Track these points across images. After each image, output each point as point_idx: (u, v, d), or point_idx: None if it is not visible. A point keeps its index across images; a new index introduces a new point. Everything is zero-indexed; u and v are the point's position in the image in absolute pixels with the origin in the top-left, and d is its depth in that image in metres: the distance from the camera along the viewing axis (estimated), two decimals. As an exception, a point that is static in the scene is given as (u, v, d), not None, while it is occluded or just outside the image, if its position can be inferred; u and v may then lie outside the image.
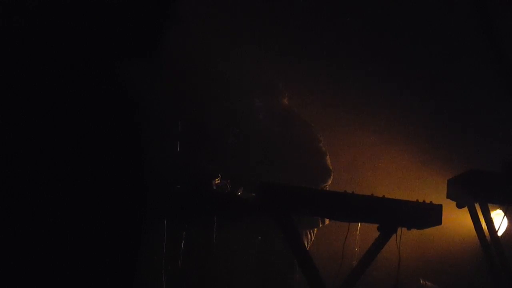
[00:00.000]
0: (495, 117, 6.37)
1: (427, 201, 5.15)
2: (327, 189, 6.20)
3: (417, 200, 5.19)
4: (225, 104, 6.47)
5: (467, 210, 5.24)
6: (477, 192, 5.14)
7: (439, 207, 5.18)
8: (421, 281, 6.74)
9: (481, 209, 5.15)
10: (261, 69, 6.46)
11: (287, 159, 6.08)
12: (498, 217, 5.97)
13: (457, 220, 5.59)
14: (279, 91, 6.33)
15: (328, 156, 6.20)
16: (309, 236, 6.13)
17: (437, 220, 5.18)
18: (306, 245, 5.97)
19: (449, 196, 5.28)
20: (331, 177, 6.18)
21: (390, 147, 6.69)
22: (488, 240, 5.22)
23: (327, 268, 5.58)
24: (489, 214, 5.17)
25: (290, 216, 5.25)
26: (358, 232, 5.69)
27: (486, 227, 5.17)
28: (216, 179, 5.65)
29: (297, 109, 6.43)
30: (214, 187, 5.52)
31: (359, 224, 5.55)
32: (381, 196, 5.22)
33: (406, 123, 6.66)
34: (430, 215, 5.19)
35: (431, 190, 5.73)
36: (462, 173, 5.25)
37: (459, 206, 5.26)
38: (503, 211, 5.68)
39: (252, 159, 6.15)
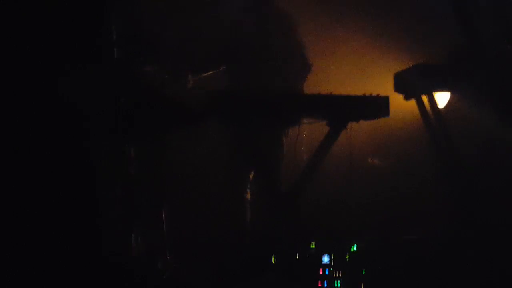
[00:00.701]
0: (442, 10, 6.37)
1: (374, 93, 5.22)
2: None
3: (364, 94, 5.25)
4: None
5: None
6: (423, 84, 5.23)
7: (386, 99, 5.26)
8: (370, 160, 6.93)
9: (428, 100, 5.25)
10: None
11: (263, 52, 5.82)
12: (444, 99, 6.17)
13: (405, 110, 5.66)
14: None
15: (306, 49, 5.97)
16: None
17: (385, 112, 5.28)
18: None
19: (396, 89, 5.36)
20: (310, 71, 6.01)
21: (338, 41, 6.68)
22: (435, 126, 5.35)
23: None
24: (436, 104, 5.28)
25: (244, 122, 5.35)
26: (304, 134, 5.81)
27: (433, 115, 5.29)
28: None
29: None
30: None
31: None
32: (328, 93, 5.28)
33: (352, 15, 6.61)
34: (377, 107, 5.27)
35: (379, 83, 5.76)
36: (407, 67, 5.33)
37: (407, 98, 5.35)
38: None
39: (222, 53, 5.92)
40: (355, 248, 4.65)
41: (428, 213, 5.86)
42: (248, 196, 5.76)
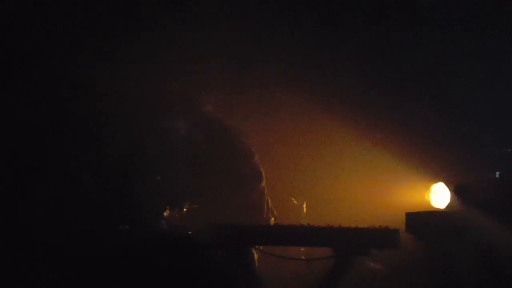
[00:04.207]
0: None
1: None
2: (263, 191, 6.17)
3: (373, 226, 5.10)
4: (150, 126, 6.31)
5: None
6: (432, 233, 5.14)
7: (396, 232, 5.10)
8: (371, 264, 6.82)
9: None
10: (180, 83, 6.33)
11: (214, 165, 6.06)
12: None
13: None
14: (200, 101, 6.25)
15: (256, 158, 6.15)
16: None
17: (394, 244, 5.12)
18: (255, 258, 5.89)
19: (408, 230, 5.21)
20: (263, 179, 6.14)
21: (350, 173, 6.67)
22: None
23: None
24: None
25: (246, 252, 5.38)
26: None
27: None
28: (165, 212, 5.52)
29: (222, 114, 6.34)
30: (164, 222, 5.39)
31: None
32: (336, 225, 5.14)
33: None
34: (387, 239, 5.12)
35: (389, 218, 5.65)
36: (420, 211, 5.22)
37: (419, 238, 5.23)
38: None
39: (181, 170, 6.06)
40: None
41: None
42: None
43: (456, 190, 5.60)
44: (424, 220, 5.21)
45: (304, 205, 6.70)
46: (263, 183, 6.10)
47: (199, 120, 6.21)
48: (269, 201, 6.10)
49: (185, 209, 5.84)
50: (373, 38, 6.80)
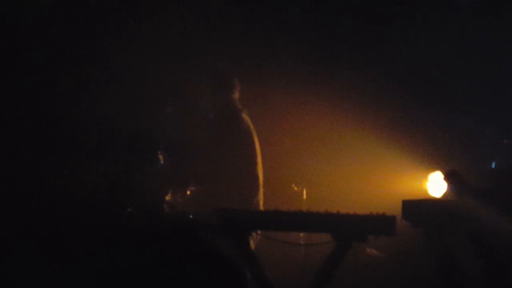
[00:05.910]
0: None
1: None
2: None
3: (371, 213, 5.21)
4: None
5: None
6: (427, 220, 5.27)
7: (393, 219, 5.21)
8: (367, 250, 6.91)
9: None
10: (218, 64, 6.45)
11: (222, 145, 6.12)
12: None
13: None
14: (232, 87, 6.29)
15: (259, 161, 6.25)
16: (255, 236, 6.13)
17: (391, 231, 5.23)
18: (253, 243, 5.96)
19: (404, 217, 5.32)
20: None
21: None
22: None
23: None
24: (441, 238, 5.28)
25: (247, 236, 5.49)
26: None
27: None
28: (167, 196, 5.62)
29: (243, 105, 6.39)
30: (166, 206, 5.49)
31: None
32: (335, 211, 5.26)
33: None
34: (384, 226, 5.22)
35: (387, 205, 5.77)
36: (416, 199, 5.33)
37: (414, 226, 5.33)
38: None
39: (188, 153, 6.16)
40: None
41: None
42: None
43: (447, 176, 5.69)
44: (419, 208, 5.32)
45: (304, 192, 6.85)
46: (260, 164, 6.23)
47: (211, 102, 6.27)
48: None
49: (188, 192, 5.94)
50: (376, 36, 6.94)
